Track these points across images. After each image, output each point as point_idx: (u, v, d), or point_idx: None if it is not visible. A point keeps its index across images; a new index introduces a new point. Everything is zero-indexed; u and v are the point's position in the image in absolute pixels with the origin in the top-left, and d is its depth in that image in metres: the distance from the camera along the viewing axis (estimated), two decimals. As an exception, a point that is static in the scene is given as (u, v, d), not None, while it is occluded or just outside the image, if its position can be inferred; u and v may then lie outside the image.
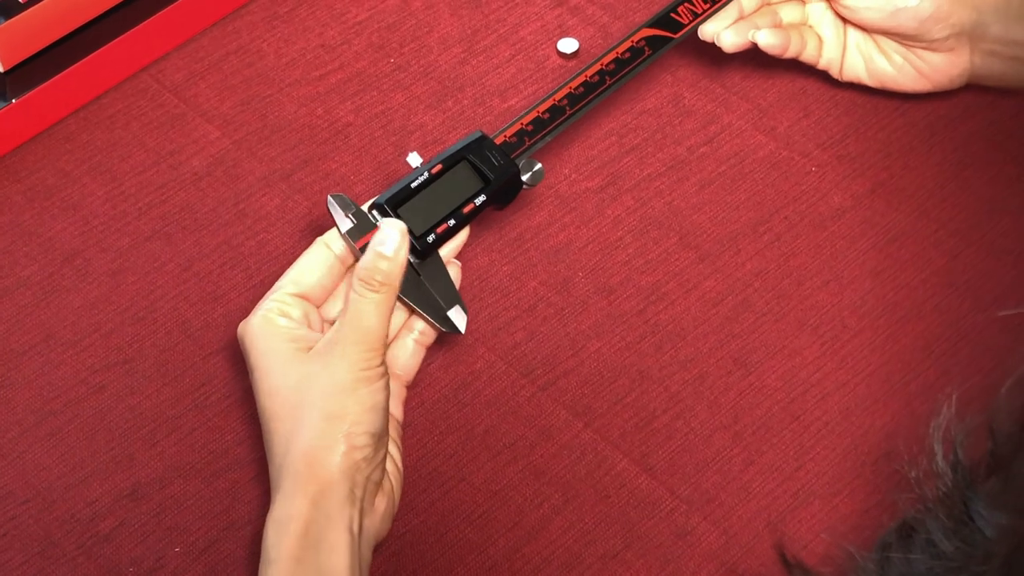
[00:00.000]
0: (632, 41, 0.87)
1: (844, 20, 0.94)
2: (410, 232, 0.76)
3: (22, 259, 0.92)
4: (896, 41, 0.93)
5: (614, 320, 0.89)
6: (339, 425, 0.71)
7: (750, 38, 0.91)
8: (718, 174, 0.96)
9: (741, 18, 0.91)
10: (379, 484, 0.74)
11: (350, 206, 0.76)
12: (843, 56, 0.95)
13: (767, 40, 0.91)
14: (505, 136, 0.82)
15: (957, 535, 0.50)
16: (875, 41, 0.94)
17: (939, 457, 0.53)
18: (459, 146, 0.80)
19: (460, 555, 0.80)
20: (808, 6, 0.95)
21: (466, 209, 0.79)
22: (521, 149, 0.82)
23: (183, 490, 0.82)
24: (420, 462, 0.83)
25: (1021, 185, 0.95)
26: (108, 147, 0.97)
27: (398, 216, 0.77)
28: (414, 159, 0.79)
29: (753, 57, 0.98)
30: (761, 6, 0.93)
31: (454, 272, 0.79)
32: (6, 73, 0.95)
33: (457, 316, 0.78)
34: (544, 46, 1.03)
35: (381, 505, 0.75)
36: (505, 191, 0.81)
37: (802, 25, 0.95)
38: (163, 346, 0.88)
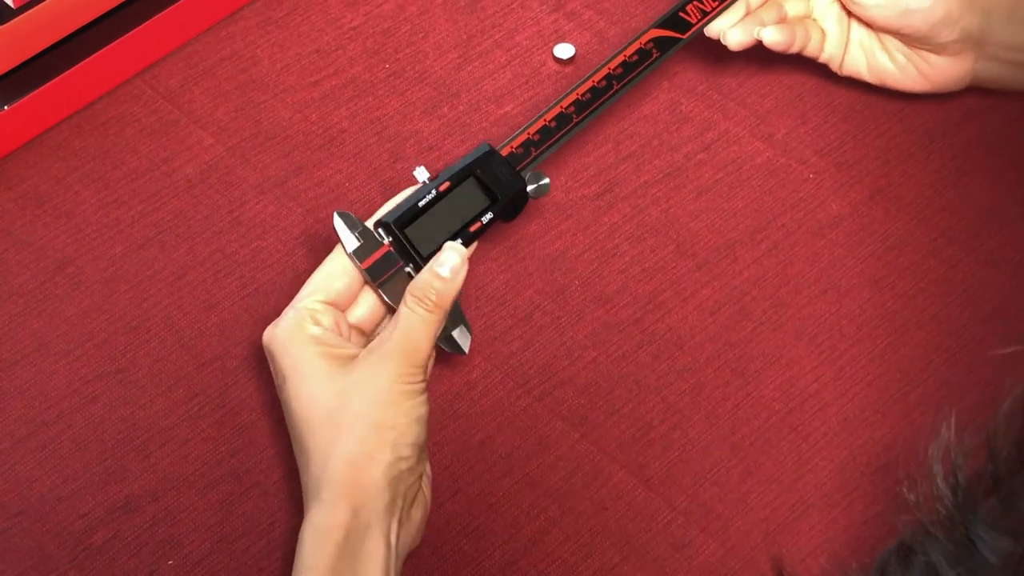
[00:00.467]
0: (640, 43, 0.86)
1: (850, 15, 0.93)
2: (417, 253, 0.76)
3: (14, 267, 0.91)
4: (902, 41, 0.92)
5: (611, 329, 0.88)
6: (386, 434, 0.71)
7: (755, 36, 0.90)
8: (715, 181, 0.95)
9: (748, 13, 0.91)
10: (416, 495, 0.74)
11: (356, 225, 0.76)
12: (845, 51, 0.94)
13: (772, 38, 0.90)
14: (512, 147, 0.81)
15: (960, 561, 0.50)
16: (879, 39, 0.93)
17: (939, 479, 0.52)
18: (467, 161, 0.79)
19: (455, 568, 0.80)
20: None
21: (473, 228, 0.78)
22: (528, 160, 0.80)
23: (176, 502, 0.82)
24: (415, 474, 0.83)
25: (1021, 191, 0.95)
26: (101, 154, 0.96)
27: (405, 236, 0.76)
28: (421, 173, 0.78)
29: (751, 60, 0.97)
30: (767, 0, 0.92)
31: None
32: (-2, 79, 0.95)
33: (462, 336, 0.77)
34: (540, 51, 1.02)
35: (416, 516, 0.75)
36: (512, 207, 0.80)
37: (806, 18, 0.94)
38: (156, 355, 0.87)
